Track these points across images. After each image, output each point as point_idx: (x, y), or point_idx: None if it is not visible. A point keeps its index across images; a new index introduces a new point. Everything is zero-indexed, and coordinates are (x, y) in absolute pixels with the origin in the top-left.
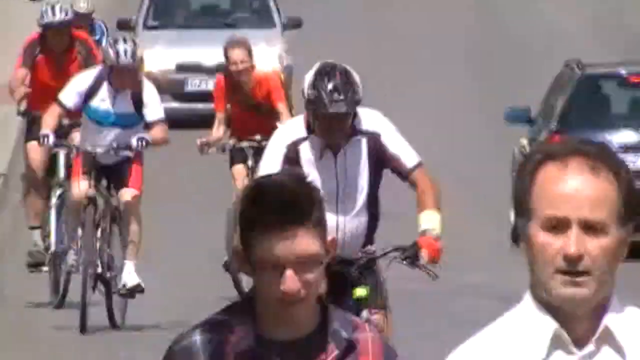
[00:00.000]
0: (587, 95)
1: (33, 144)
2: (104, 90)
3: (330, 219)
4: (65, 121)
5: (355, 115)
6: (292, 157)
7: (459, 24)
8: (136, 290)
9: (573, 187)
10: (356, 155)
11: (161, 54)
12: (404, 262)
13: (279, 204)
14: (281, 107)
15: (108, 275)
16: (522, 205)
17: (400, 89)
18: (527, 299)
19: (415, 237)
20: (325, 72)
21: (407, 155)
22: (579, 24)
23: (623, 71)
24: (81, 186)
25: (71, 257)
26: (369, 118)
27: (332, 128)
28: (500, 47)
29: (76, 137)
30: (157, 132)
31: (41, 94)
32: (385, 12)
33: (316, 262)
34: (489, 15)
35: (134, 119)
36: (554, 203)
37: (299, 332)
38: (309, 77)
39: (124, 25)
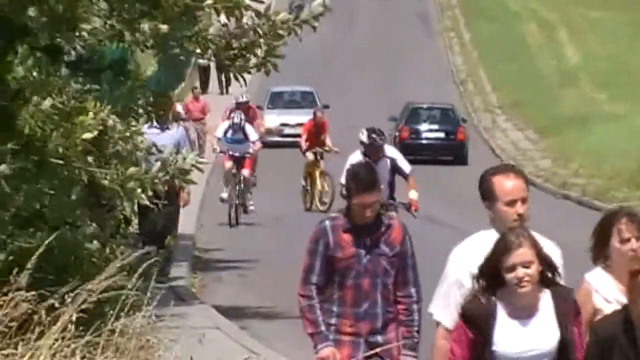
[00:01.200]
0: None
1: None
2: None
3: None
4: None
5: (383, 148)
6: None
7: None
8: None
9: None
10: (384, 167)
11: (274, 119)
12: (404, 209)
13: (367, 182)
14: (324, 136)
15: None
16: None
17: None
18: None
19: (405, 199)
20: (372, 130)
21: (406, 168)
22: None
23: None
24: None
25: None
26: (390, 150)
27: (376, 152)
28: None
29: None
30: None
31: None
32: None
33: (377, 203)
34: None
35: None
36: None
37: (369, 220)
38: (364, 133)
39: (259, 107)
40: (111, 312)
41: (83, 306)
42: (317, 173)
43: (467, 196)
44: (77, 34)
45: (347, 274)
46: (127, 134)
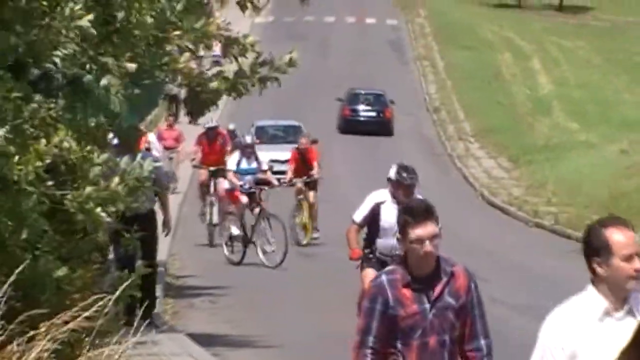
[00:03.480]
0: None
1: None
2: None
3: (391, 239)
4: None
5: (414, 189)
6: (374, 209)
7: None
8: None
9: None
10: None
11: (262, 155)
12: None
13: (422, 210)
14: (315, 164)
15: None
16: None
17: None
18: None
19: None
20: (403, 167)
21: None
22: None
23: None
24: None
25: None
26: (422, 194)
27: (407, 192)
28: None
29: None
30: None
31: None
32: None
33: (438, 237)
34: None
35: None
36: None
37: (427, 271)
38: (393, 170)
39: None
40: (87, 339)
41: (59, 336)
42: (305, 205)
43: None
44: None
45: (411, 334)
46: (83, 153)
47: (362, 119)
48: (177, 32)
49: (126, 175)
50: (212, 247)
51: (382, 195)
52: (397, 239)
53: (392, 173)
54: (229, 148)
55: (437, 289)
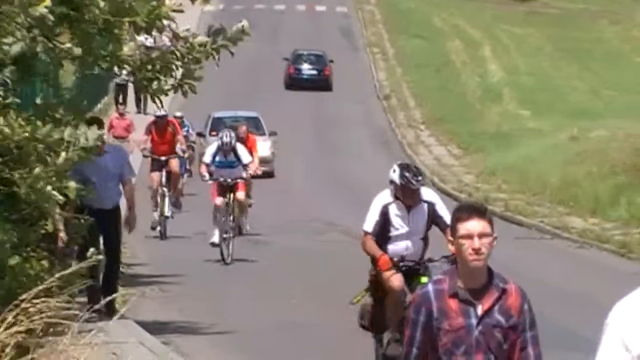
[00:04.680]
0: None
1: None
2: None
3: (403, 243)
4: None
5: (420, 193)
6: (384, 211)
7: None
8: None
9: None
10: (420, 214)
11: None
12: (448, 263)
13: (474, 206)
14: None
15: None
16: None
17: None
18: None
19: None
20: (406, 168)
21: (447, 218)
22: None
23: None
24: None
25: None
26: (428, 192)
27: (412, 196)
28: None
29: None
30: (252, 168)
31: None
32: None
33: (489, 237)
34: None
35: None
36: None
37: (478, 283)
38: (396, 172)
39: (201, 134)
40: (40, 332)
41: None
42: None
43: (331, 115)
44: None
45: (454, 350)
46: (26, 133)
47: (305, 76)
48: (129, 18)
49: (71, 147)
50: (164, 240)
51: (387, 197)
52: (449, 241)
53: (396, 176)
54: (179, 137)
55: (487, 304)
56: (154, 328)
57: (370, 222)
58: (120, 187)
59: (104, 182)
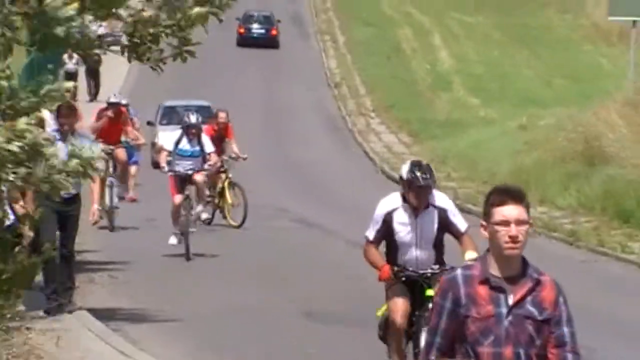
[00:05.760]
0: None
1: None
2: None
3: (411, 252)
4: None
5: (431, 192)
6: (387, 219)
7: None
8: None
9: None
10: (429, 219)
11: (168, 135)
12: None
13: (511, 190)
14: (229, 142)
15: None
16: None
17: None
18: None
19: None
20: (417, 164)
21: (460, 224)
22: None
23: None
24: (178, 200)
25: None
26: (440, 198)
27: (420, 196)
28: None
29: None
30: (213, 159)
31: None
32: None
33: (526, 224)
34: None
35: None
36: None
37: (511, 271)
38: (405, 167)
39: (150, 123)
40: None
41: None
42: (226, 184)
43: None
44: None
45: (481, 339)
46: None
47: (254, 35)
48: None
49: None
50: (112, 231)
51: (393, 201)
52: (482, 226)
53: (404, 171)
54: (129, 128)
55: (519, 294)
56: (103, 315)
57: (372, 230)
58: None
59: None
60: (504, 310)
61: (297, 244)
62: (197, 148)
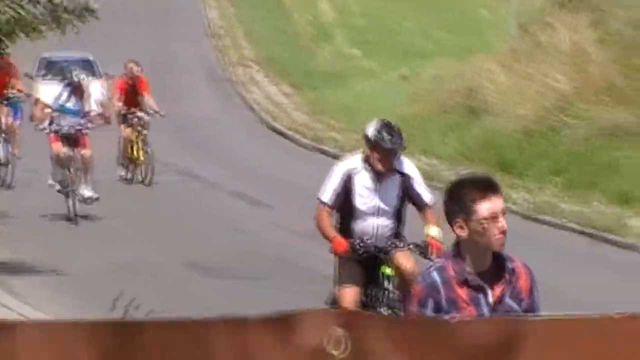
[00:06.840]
0: None
1: None
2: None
3: (369, 221)
4: None
5: (398, 157)
6: (347, 180)
7: None
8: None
9: None
10: (392, 186)
11: (55, 90)
12: (418, 253)
13: (490, 181)
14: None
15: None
16: None
17: None
18: None
19: (419, 239)
20: (386, 124)
21: (425, 195)
22: None
23: None
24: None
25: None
26: (407, 164)
27: (386, 159)
28: None
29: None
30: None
31: None
32: None
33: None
34: None
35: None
36: None
37: (485, 266)
38: (372, 126)
39: (28, 75)
40: None
41: None
42: (139, 140)
43: (163, 54)
44: None
45: None
46: None
47: None
48: None
49: None
50: (4, 187)
51: (354, 162)
52: (456, 225)
53: (371, 130)
54: (15, 80)
55: (497, 289)
56: None
57: (328, 191)
58: None
59: None
60: (485, 309)
61: (181, 198)
62: (81, 105)
